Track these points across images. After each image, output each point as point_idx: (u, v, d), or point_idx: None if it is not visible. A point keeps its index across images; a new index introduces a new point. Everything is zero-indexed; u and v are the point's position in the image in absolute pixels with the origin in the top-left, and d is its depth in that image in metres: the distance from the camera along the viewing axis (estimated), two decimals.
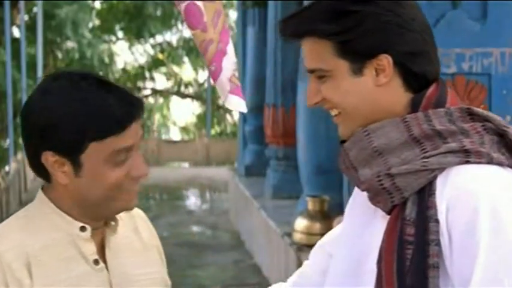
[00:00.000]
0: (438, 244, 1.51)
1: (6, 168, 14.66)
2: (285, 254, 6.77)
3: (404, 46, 1.60)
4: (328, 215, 6.34)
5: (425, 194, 1.54)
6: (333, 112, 1.68)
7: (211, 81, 2.36)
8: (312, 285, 2.01)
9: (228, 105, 2.36)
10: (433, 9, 3.97)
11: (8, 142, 16.99)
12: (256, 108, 11.01)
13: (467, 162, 1.54)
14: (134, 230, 1.90)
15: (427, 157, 1.55)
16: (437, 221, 1.51)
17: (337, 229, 2.01)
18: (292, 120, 8.84)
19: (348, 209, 1.88)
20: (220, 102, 25.70)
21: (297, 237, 6.48)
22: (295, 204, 7.65)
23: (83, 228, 1.72)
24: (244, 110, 2.50)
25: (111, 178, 1.67)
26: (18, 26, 19.47)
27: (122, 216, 1.84)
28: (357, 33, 1.59)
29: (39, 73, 18.49)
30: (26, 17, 20.37)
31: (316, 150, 7.19)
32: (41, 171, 1.72)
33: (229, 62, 2.35)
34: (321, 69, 1.64)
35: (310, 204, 6.53)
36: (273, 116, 9.54)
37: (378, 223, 1.65)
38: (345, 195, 4.77)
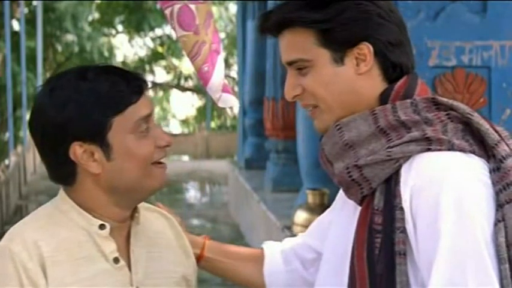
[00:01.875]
0: (404, 231, 1.52)
1: (6, 161, 14.67)
2: None
3: (384, 35, 1.62)
4: (328, 208, 6.33)
5: (392, 183, 1.57)
6: (308, 108, 1.72)
7: (202, 84, 2.35)
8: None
9: (221, 105, 2.36)
10: (433, 2, 3.97)
11: (7, 135, 16.99)
12: (256, 102, 11.02)
13: (429, 149, 1.55)
14: (161, 227, 1.89)
15: (391, 147, 1.57)
16: (402, 209, 1.53)
17: (320, 221, 2.05)
18: (292, 113, 8.85)
19: (334, 204, 1.93)
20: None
21: (297, 230, 6.48)
22: (295, 197, 7.65)
23: (102, 226, 1.70)
24: (236, 105, 2.51)
25: (142, 150, 1.69)
26: (18, 20, 19.47)
27: (147, 216, 1.84)
28: (339, 21, 1.61)
29: (39, 66, 18.50)
30: (26, 11, 20.35)
31: (316, 143, 7.12)
32: (65, 171, 1.71)
33: (222, 62, 2.36)
34: (302, 59, 1.65)
35: (310, 197, 6.54)
36: (272, 109, 9.54)
37: (353, 221, 1.66)
38: None
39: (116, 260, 1.71)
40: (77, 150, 1.66)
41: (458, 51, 3.88)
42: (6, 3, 15.95)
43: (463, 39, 3.89)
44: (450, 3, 3.93)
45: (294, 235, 6.39)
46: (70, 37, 22.84)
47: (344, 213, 1.76)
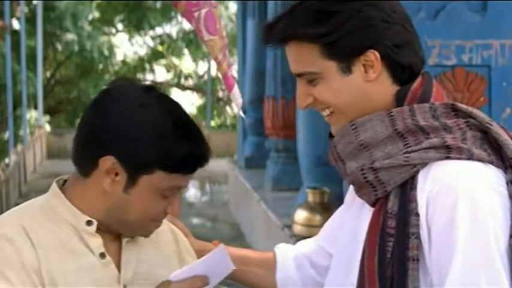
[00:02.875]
0: (418, 237, 1.52)
1: (6, 160, 14.67)
2: None
3: (390, 39, 1.61)
4: (328, 206, 6.34)
5: (407, 188, 1.56)
6: (325, 112, 1.70)
7: (227, 91, 2.36)
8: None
9: (241, 112, 2.38)
10: (433, 1, 3.97)
11: (7, 134, 16.99)
12: (256, 101, 11.02)
13: (448, 157, 1.55)
14: (159, 230, 1.88)
15: (409, 152, 1.56)
16: (417, 215, 1.53)
17: (331, 223, 2.02)
18: (292, 112, 8.85)
19: (344, 203, 1.90)
20: (220, 93, 25.73)
21: (297, 229, 6.49)
22: (295, 196, 7.66)
23: (89, 222, 1.70)
24: (242, 115, 2.52)
25: (155, 205, 1.69)
26: (18, 18, 19.46)
27: None
28: (342, 32, 1.60)
29: (39, 65, 18.50)
30: (26, 9, 20.34)
31: (316, 142, 7.19)
32: (87, 165, 1.70)
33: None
34: (310, 72, 1.65)
35: (310, 196, 6.54)
36: (273, 108, 9.54)
37: (364, 216, 1.67)
38: (345, 187, 4.77)
39: (102, 255, 1.71)
40: (108, 163, 1.64)
41: (459, 50, 3.88)
42: (6, 2, 15.95)
43: (463, 38, 3.89)
44: (450, 2, 3.93)
45: (294, 234, 6.42)
46: (70, 36, 22.82)
47: (352, 211, 1.76)
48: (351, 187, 1.85)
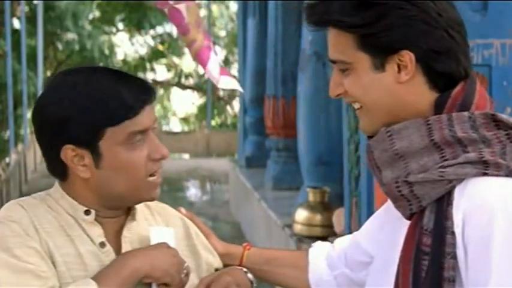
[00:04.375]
0: (454, 257, 1.47)
1: (7, 159, 14.67)
2: (286, 245, 6.77)
3: (428, 43, 1.53)
4: (329, 206, 6.34)
5: (444, 204, 1.50)
6: (356, 105, 1.64)
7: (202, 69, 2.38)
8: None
9: (222, 86, 2.37)
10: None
11: (8, 133, 16.98)
12: (257, 100, 11.02)
13: (485, 174, 1.49)
14: (167, 222, 1.89)
15: (445, 166, 1.50)
16: (453, 233, 1.48)
17: (373, 222, 1.94)
18: (292, 111, 8.85)
19: (385, 207, 1.83)
20: (220, 93, 25.72)
21: (298, 228, 6.48)
22: (295, 196, 7.65)
23: (87, 212, 1.72)
24: (239, 88, 2.51)
25: (132, 162, 1.69)
26: (19, 18, 19.45)
27: (144, 212, 1.85)
28: (380, 27, 1.53)
29: (40, 65, 18.49)
30: (26, 9, 20.34)
31: (316, 142, 7.19)
32: (58, 168, 1.73)
33: (215, 58, 2.38)
34: (342, 60, 1.60)
35: (311, 196, 6.53)
36: (273, 108, 9.53)
37: (402, 226, 1.60)
38: (345, 186, 4.77)
39: (102, 245, 1.72)
40: (68, 153, 1.68)
41: None
42: (7, 2, 15.95)
43: None
44: (451, 2, 3.92)
45: (294, 233, 6.42)
46: (70, 35, 22.82)
47: (393, 214, 1.67)
48: None
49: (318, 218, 6.32)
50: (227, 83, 2.36)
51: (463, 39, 1.58)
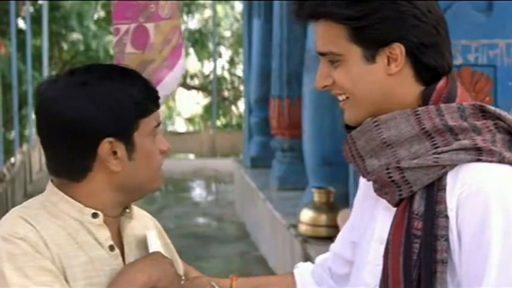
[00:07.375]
0: (447, 240, 1.51)
1: (12, 159, 14.68)
2: (291, 245, 6.78)
3: (418, 37, 1.60)
4: (334, 206, 6.35)
5: (434, 189, 1.55)
6: (341, 97, 1.68)
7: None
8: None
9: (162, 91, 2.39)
10: (439, 1, 3.97)
11: (13, 134, 17.00)
12: (262, 100, 11.03)
13: (479, 160, 1.54)
14: (144, 227, 1.90)
15: (439, 153, 1.55)
16: (447, 217, 1.52)
17: (344, 229, 2.00)
18: (297, 111, 8.85)
19: (355, 201, 1.89)
20: (225, 93, 25.71)
21: (303, 228, 6.49)
22: (300, 196, 7.66)
23: (94, 215, 1.72)
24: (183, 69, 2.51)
25: (154, 149, 1.76)
26: (24, 18, 19.47)
27: (134, 213, 1.86)
28: (373, 20, 1.59)
29: (45, 65, 18.51)
30: (31, 9, 20.36)
31: (321, 142, 7.20)
32: (79, 167, 1.72)
33: (174, 76, 2.36)
34: (333, 52, 1.64)
35: (316, 196, 6.54)
36: (278, 108, 9.54)
37: (378, 215, 1.67)
38: (350, 186, 4.77)
39: (112, 248, 1.74)
40: (106, 147, 1.69)
41: (465, 50, 3.88)
42: (12, 2, 15.95)
43: (469, 37, 3.88)
44: (456, 2, 3.92)
45: (299, 234, 6.42)
46: (76, 35, 22.85)
47: (366, 213, 1.75)
48: (360, 188, 1.85)
49: (323, 218, 6.33)
50: (172, 81, 2.35)
51: (447, 36, 1.68)
